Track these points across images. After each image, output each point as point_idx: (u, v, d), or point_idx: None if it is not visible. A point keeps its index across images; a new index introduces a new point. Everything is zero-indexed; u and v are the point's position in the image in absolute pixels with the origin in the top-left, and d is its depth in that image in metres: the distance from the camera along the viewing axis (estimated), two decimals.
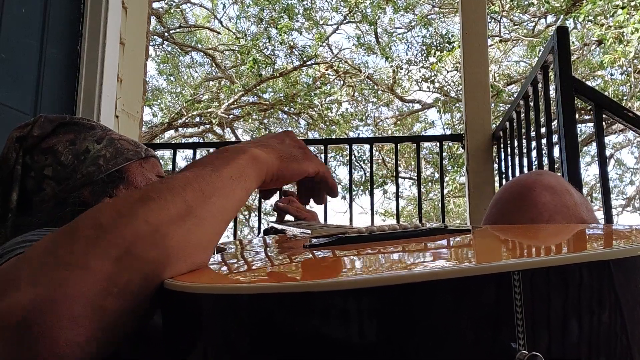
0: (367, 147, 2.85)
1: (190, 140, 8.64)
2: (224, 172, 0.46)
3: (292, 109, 9.36)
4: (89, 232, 0.39)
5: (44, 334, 0.35)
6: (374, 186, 4.74)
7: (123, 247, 0.38)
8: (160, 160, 0.89)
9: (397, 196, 3.00)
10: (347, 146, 2.96)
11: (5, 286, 0.37)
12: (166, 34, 9.02)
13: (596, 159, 1.87)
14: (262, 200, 1.18)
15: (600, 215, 1.62)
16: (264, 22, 9.07)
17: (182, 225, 0.41)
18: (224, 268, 0.46)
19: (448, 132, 8.73)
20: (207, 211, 0.43)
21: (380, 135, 9.25)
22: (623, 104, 5.95)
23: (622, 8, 6.25)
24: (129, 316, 0.38)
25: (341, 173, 9.50)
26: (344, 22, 9.26)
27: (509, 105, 2.87)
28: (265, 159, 0.51)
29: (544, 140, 2.07)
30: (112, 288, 0.37)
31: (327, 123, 9.23)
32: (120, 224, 0.39)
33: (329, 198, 0.67)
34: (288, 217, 1.18)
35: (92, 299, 0.36)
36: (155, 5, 7.88)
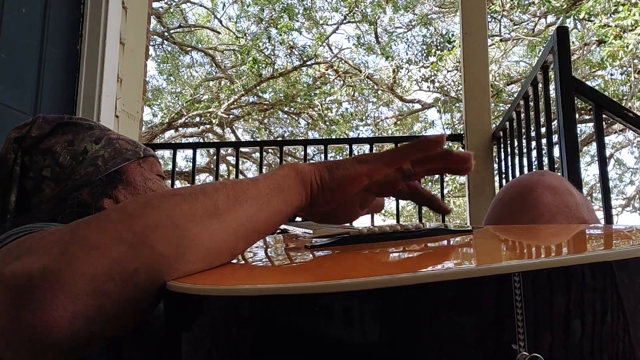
0: (367, 147, 2.84)
1: (190, 140, 8.63)
2: (262, 182, 0.46)
3: (292, 109, 9.36)
4: (114, 215, 0.40)
5: (40, 303, 0.35)
6: None
7: (140, 236, 0.38)
8: (160, 160, 0.89)
9: None
10: (347, 146, 2.95)
11: (20, 252, 0.38)
12: (166, 33, 9.01)
13: (596, 159, 1.87)
14: None
15: (600, 215, 1.62)
16: (264, 22, 9.07)
17: (204, 226, 0.41)
18: (227, 269, 0.46)
19: (448, 132, 8.71)
20: (235, 217, 0.43)
21: (380, 135, 9.24)
22: (623, 104, 5.95)
23: (623, 5, 6.26)
24: (126, 307, 0.38)
25: None
26: (344, 22, 9.26)
27: (509, 105, 2.87)
28: (309, 171, 0.51)
29: (544, 140, 2.07)
30: (116, 274, 0.37)
31: (327, 123, 9.23)
32: (144, 214, 0.39)
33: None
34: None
35: (95, 279, 0.36)
36: (155, 5, 7.87)
